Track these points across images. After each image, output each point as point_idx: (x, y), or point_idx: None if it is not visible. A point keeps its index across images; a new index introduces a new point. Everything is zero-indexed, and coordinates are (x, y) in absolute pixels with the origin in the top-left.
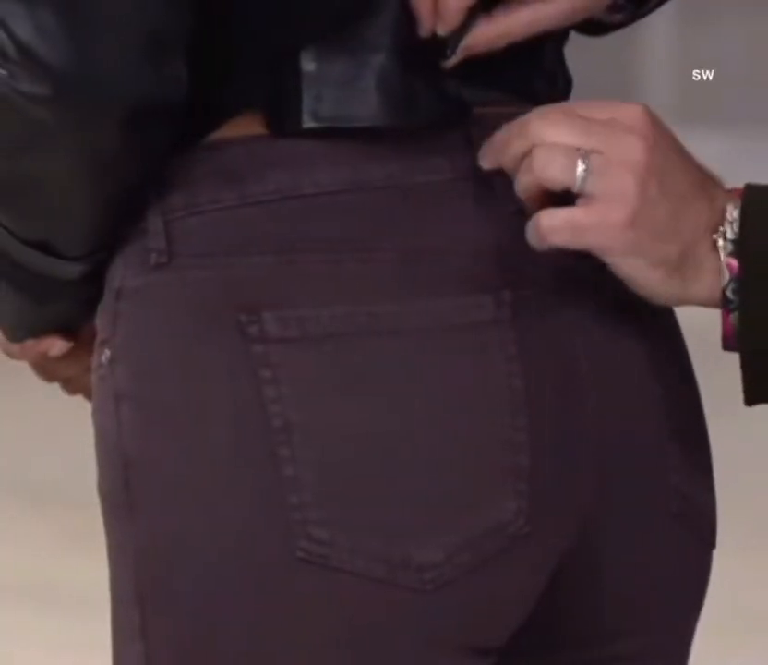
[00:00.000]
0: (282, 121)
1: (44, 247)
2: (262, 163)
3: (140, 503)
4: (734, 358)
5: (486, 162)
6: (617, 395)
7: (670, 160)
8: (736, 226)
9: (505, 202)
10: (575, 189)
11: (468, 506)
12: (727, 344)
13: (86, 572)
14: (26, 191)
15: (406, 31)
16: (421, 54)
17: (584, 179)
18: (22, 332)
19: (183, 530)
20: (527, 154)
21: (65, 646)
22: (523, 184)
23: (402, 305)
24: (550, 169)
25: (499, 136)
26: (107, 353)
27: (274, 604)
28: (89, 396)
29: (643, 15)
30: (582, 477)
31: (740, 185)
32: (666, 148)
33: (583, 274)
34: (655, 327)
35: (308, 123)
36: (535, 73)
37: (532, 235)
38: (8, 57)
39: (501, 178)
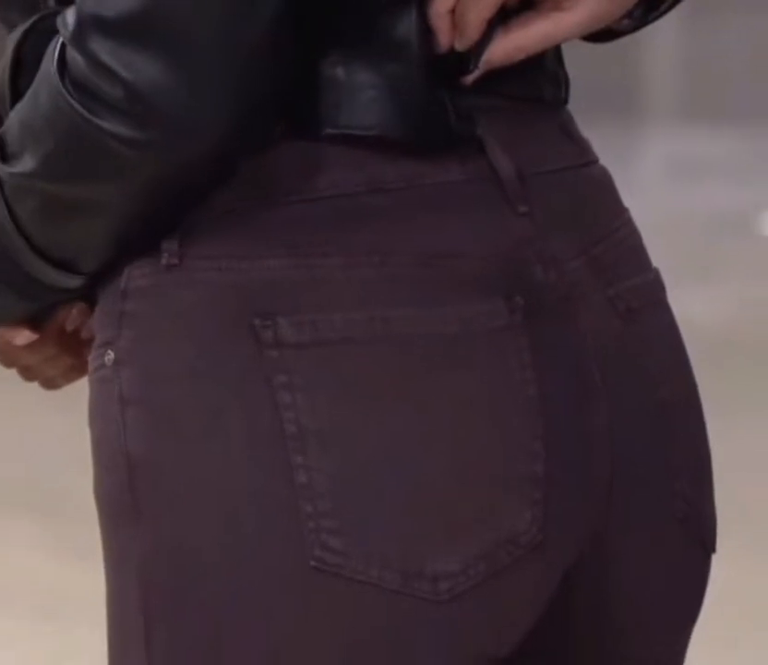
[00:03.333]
0: (301, 126)
1: (62, 265)
2: (278, 166)
3: (146, 510)
4: (732, 361)
5: None
6: (625, 402)
7: None
8: None
9: (515, 205)
10: None
11: (484, 516)
12: None
13: (76, 581)
14: (73, 214)
15: (423, 44)
16: (436, 66)
17: None
18: None
19: (192, 537)
20: None
21: (55, 655)
22: None
23: (417, 310)
24: None
25: None
26: (110, 355)
27: (286, 614)
28: (45, 385)
29: (652, 21)
30: (592, 482)
31: (747, 181)
32: None
33: (591, 280)
34: (659, 332)
35: (327, 129)
36: (539, 76)
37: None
38: (102, 99)
39: (513, 180)
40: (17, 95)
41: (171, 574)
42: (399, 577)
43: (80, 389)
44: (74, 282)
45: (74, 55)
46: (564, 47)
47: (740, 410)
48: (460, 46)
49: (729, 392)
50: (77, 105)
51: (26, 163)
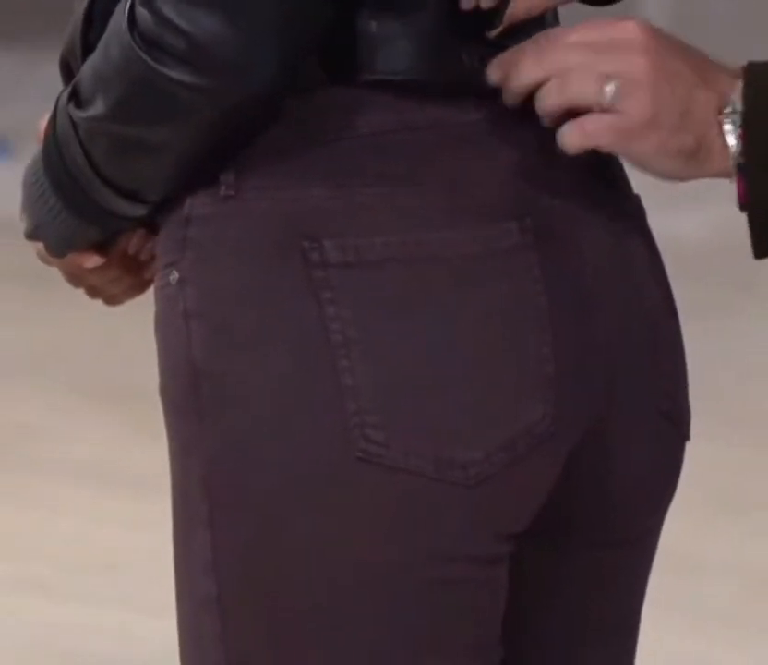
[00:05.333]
0: (340, 74)
1: (130, 195)
2: (321, 109)
3: (208, 410)
4: (704, 271)
5: (496, 77)
6: (619, 312)
7: (672, 63)
8: (739, 104)
9: (523, 140)
10: (604, 106)
11: (504, 412)
12: (743, 206)
13: (148, 457)
14: (139, 152)
15: (446, 1)
16: (457, 20)
17: (613, 97)
18: (67, 248)
19: (251, 434)
20: (545, 81)
21: (132, 524)
22: (551, 105)
23: (444, 234)
24: (585, 91)
25: (512, 59)
26: (175, 274)
27: (335, 499)
28: (108, 302)
29: None
30: (593, 381)
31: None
32: (665, 54)
33: (587, 204)
34: (643, 250)
35: (364, 75)
36: (539, 31)
37: (571, 137)
38: (167, 50)
39: (519, 118)
40: (86, 48)
41: (231, 467)
42: (433, 465)
43: (146, 301)
44: (139, 210)
45: (142, 12)
46: (569, 8)
47: (718, 314)
48: (485, 4)
49: (709, 299)
50: (145, 56)
51: (98, 108)
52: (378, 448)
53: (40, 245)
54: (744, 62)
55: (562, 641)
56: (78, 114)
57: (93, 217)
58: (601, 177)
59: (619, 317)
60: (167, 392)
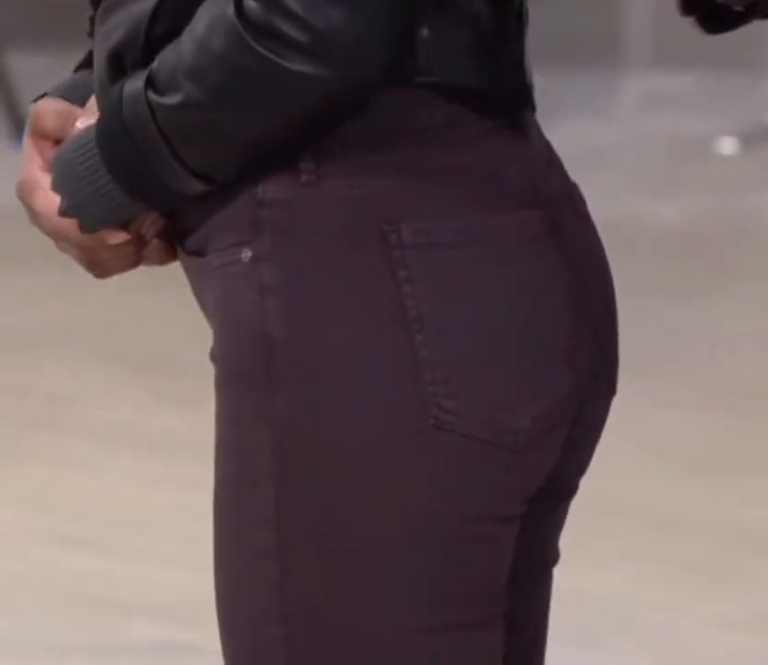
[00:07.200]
0: (401, 75)
1: (202, 176)
2: (388, 103)
3: (284, 379)
4: (688, 255)
5: None
6: (597, 290)
7: None
8: None
9: (539, 137)
10: None
11: (546, 382)
12: None
13: (175, 424)
14: (227, 138)
15: (495, 15)
16: (518, 38)
17: None
18: (102, 225)
19: (328, 402)
20: None
21: (157, 483)
22: None
23: (494, 218)
24: None
25: None
26: (247, 252)
27: (410, 462)
28: (99, 276)
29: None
30: (601, 352)
31: (705, 113)
32: None
33: (569, 193)
34: (596, 235)
35: (421, 78)
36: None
37: None
38: (286, 41)
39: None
40: (149, 42)
41: (306, 431)
42: (492, 431)
43: (170, 275)
44: (200, 188)
45: (252, 5)
46: (561, 5)
47: (692, 293)
48: None
49: (684, 279)
50: (259, 48)
51: (190, 95)
52: (449, 415)
53: (68, 222)
54: (727, 65)
55: (529, 584)
56: (159, 101)
57: (142, 191)
58: (562, 170)
59: (602, 293)
60: (231, 361)
